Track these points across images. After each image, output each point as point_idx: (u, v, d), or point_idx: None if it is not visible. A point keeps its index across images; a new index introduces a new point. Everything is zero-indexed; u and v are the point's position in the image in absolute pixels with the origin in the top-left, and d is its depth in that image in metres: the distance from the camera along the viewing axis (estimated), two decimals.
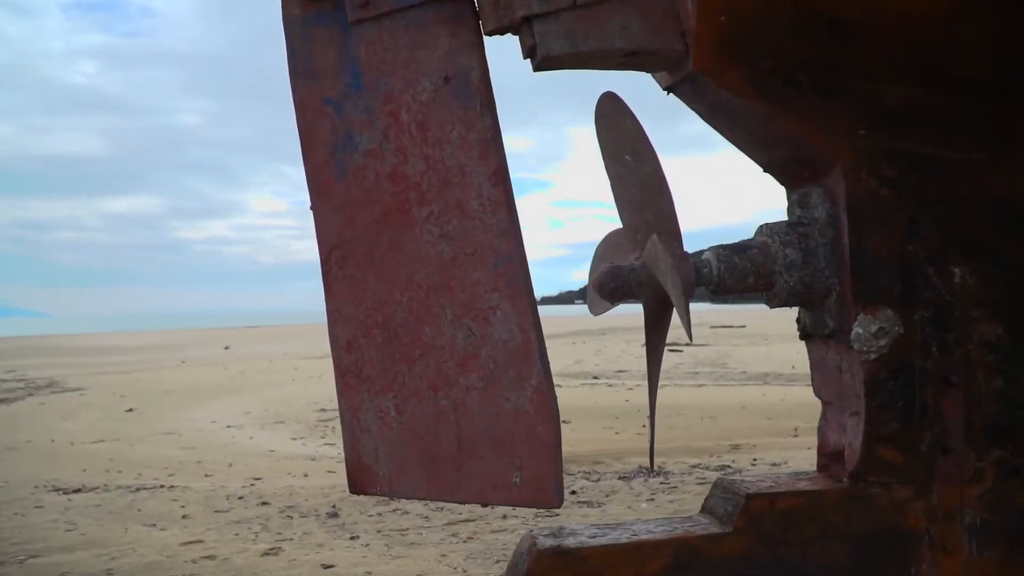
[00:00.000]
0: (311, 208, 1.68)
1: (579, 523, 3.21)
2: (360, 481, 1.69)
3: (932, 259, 1.61)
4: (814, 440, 1.83)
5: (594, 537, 1.64)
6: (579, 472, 4.99)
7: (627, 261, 1.65)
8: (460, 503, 1.76)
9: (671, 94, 1.74)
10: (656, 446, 5.87)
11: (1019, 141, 1.57)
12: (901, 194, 1.58)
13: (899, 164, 1.57)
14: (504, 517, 3.88)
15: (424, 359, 1.63)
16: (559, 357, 15.84)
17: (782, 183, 1.76)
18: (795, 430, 6.38)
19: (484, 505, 1.73)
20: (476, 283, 1.60)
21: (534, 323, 1.59)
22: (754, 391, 9.64)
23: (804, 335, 1.78)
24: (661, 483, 4.67)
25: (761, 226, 1.66)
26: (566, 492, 4.34)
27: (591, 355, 16.39)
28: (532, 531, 1.70)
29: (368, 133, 1.62)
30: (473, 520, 3.84)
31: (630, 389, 10.24)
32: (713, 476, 4.77)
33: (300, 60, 1.64)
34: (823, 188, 1.64)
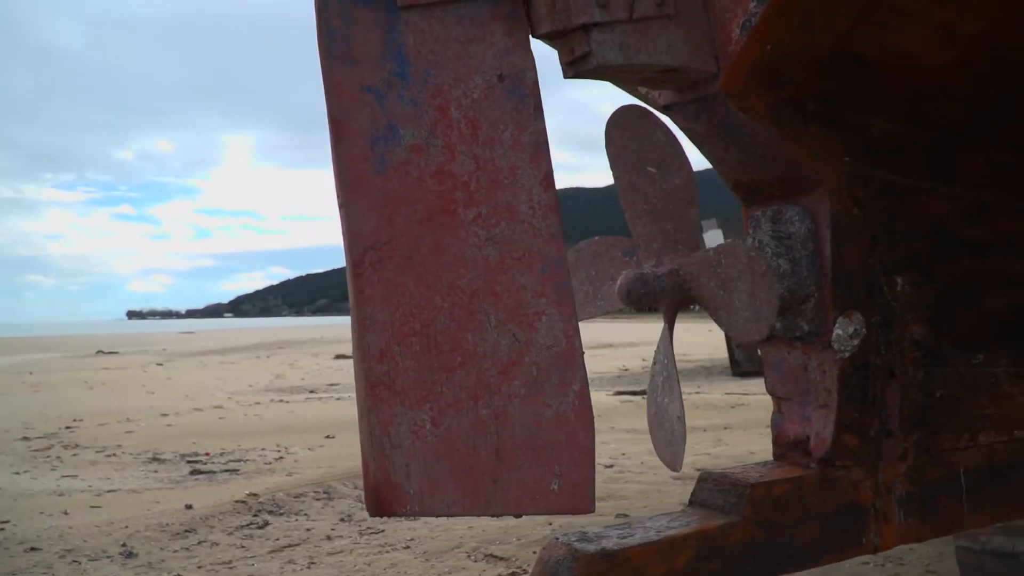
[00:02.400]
0: (341, 204, 1.52)
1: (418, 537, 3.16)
2: (388, 502, 1.55)
3: (884, 271, 1.88)
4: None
5: (625, 538, 1.67)
6: None
7: (646, 269, 1.72)
8: (495, 516, 1.68)
9: (666, 112, 1.83)
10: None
11: (957, 174, 1.90)
12: (867, 214, 1.83)
13: (868, 188, 1.82)
14: (329, 538, 3.69)
15: (464, 367, 1.55)
16: (252, 372, 15.20)
17: (747, 201, 1.93)
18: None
19: (517, 516, 1.64)
20: (523, 288, 1.56)
21: (576, 329, 1.59)
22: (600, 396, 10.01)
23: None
24: None
25: (738, 240, 1.79)
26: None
27: (287, 370, 15.95)
28: (559, 538, 1.68)
29: (413, 127, 1.50)
30: (299, 544, 3.59)
31: None
32: None
33: (337, 41, 1.47)
34: (801, 206, 1.83)
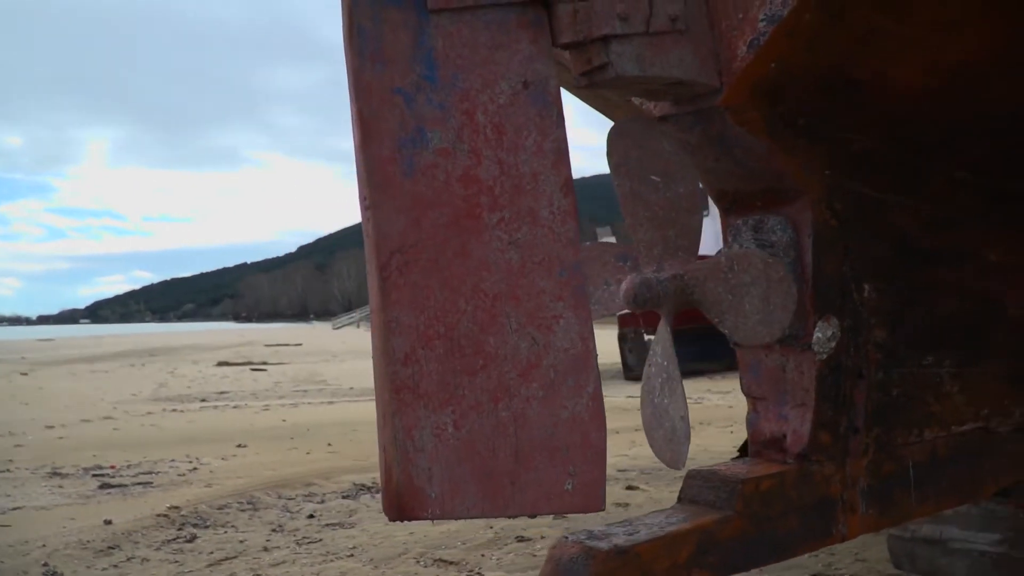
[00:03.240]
0: (367, 206, 1.51)
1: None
2: (410, 506, 1.54)
3: (854, 278, 2.01)
4: None
5: (632, 535, 1.72)
6: (299, 496, 4.75)
7: (648, 274, 1.78)
8: (511, 517, 1.70)
9: (660, 123, 1.90)
10: (359, 463, 5.88)
11: (920, 189, 2.05)
12: (842, 224, 1.95)
13: (844, 200, 1.94)
14: (266, 549, 3.58)
15: (486, 370, 1.57)
16: (131, 382, 14.50)
17: (728, 210, 2.03)
18: None
19: (531, 517, 1.62)
20: (542, 292, 1.59)
21: (591, 331, 1.63)
22: None
23: (735, 343, 2.07)
24: None
25: (724, 249, 1.88)
26: (303, 517, 4.15)
27: (169, 378, 15.32)
28: (568, 537, 1.72)
29: (440, 130, 1.51)
30: (237, 557, 3.47)
31: (267, 409, 9.87)
32: None
33: (368, 41, 1.47)
34: (783, 216, 1.94)
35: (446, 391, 1.54)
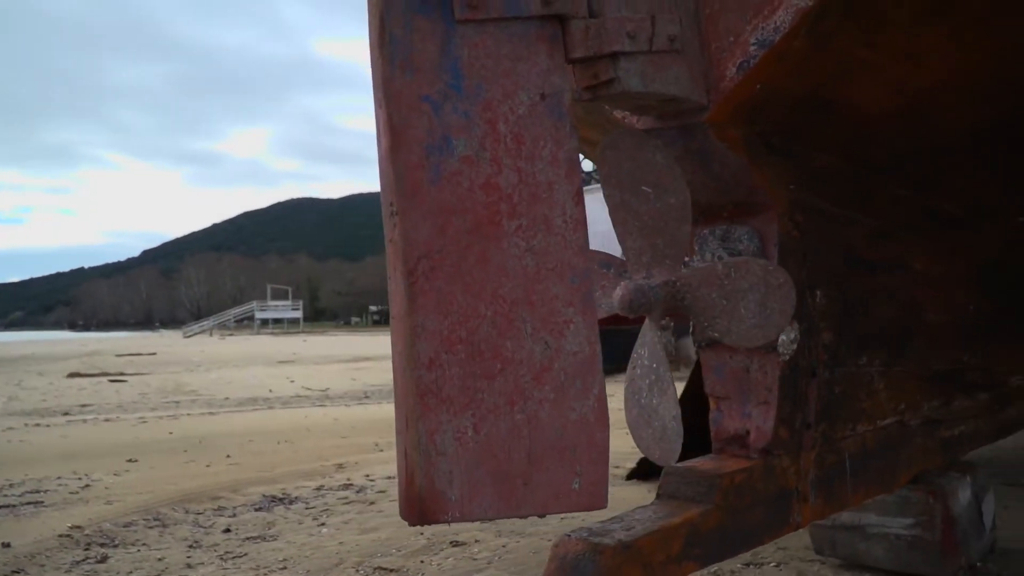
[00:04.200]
0: (393, 212, 1.52)
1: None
2: (432, 510, 1.56)
3: (809, 285, 2.17)
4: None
5: (629, 530, 1.80)
6: (208, 510, 4.56)
7: (639, 280, 1.87)
8: (523, 517, 1.72)
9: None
10: (264, 474, 5.73)
11: (868, 204, 2.24)
12: (802, 236, 2.11)
13: (804, 213, 2.10)
14: (190, 566, 3.43)
15: (503, 374, 1.61)
16: None
17: (696, 220, 2.15)
18: (376, 445, 6.73)
19: (540, 517, 1.60)
20: (555, 297, 1.64)
21: (598, 335, 1.70)
22: (283, 415, 9.69)
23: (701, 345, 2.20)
24: (306, 508, 4.56)
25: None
26: (218, 532, 4.00)
27: (17, 391, 14.21)
28: (570, 535, 1.77)
29: (465, 139, 1.54)
30: (160, 575, 3.30)
31: (144, 421, 9.38)
32: (343, 495, 4.83)
33: (399, 48, 1.48)
34: (750, 226, 2.08)
35: (467, 395, 1.57)
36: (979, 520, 3.03)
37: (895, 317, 2.53)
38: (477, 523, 3.84)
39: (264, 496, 4.87)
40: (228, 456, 6.25)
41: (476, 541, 3.52)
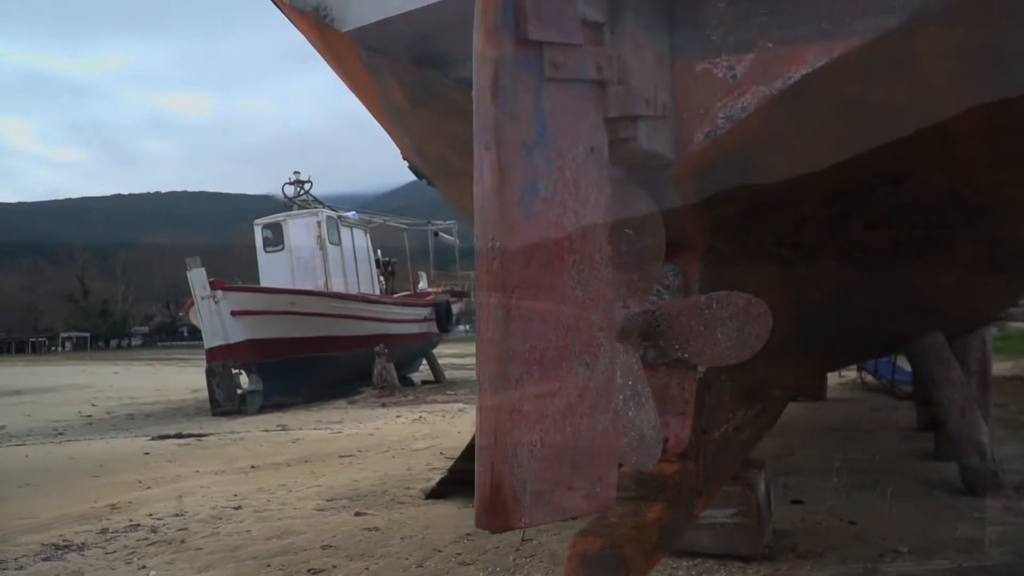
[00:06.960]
0: (491, 247, 1.66)
1: None
2: (512, 518, 1.71)
3: None
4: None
5: (624, 527, 2.07)
6: None
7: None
8: (565, 520, 1.87)
9: None
10: (29, 521, 5.24)
11: (744, 247, 2.73)
12: (711, 274, 2.56)
13: (713, 256, 2.55)
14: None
15: (561, 392, 1.81)
16: None
17: None
18: (140, 482, 6.12)
19: (574, 518, 1.59)
20: (592, 324, 1.88)
21: (616, 357, 1.97)
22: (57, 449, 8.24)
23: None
24: (105, 553, 4.05)
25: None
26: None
27: None
28: (585, 535, 2.00)
29: (546, 182, 1.74)
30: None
31: None
32: (140, 536, 4.36)
33: (509, 99, 1.64)
34: (675, 264, 2.48)
35: (538, 411, 1.75)
36: (769, 506, 3.73)
37: None
38: (330, 548, 3.79)
39: (44, 544, 4.24)
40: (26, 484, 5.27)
41: (334, 567, 3.48)
